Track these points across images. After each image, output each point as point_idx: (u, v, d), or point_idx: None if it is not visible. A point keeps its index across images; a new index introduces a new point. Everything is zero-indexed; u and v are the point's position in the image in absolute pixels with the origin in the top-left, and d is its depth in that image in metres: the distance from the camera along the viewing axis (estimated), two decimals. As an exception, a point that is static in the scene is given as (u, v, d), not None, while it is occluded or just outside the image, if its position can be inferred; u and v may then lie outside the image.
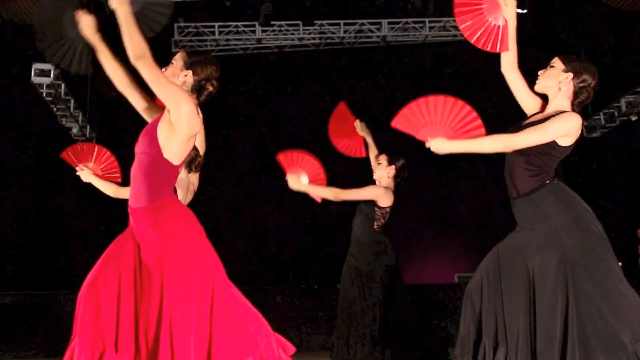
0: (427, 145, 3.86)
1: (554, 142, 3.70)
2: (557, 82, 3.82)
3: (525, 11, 11.30)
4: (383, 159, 5.94)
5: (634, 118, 11.60)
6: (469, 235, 12.73)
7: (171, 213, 3.46)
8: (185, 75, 3.62)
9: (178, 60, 3.67)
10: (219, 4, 12.16)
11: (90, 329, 3.25)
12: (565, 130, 3.66)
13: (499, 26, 4.03)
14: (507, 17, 3.97)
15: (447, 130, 3.90)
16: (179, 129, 3.43)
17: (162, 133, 3.46)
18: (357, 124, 6.36)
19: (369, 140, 6.32)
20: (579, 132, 3.73)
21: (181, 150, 3.50)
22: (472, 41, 4.03)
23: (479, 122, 3.88)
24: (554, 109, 3.83)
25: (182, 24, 12.33)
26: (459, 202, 13.09)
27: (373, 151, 6.26)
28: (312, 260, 12.22)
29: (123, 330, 3.28)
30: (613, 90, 11.57)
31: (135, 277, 3.37)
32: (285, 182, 5.73)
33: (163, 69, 3.60)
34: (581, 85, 3.82)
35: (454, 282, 10.71)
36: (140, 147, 3.50)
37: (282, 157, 5.90)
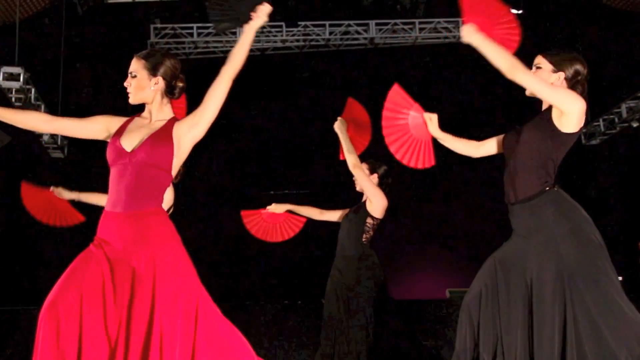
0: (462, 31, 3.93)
1: (557, 129, 3.74)
2: (549, 83, 3.82)
3: (520, 12, 11.34)
4: (365, 167, 5.95)
5: (635, 124, 11.58)
6: (460, 249, 12.73)
7: (163, 221, 3.58)
8: (156, 84, 3.69)
9: (139, 70, 3.69)
10: (198, 3, 12.14)
11: (50, 353, 3.23)
12: (571, 100, 3.68)
13: (424, 142, 4.26)
14: (432, 132, 4.18)
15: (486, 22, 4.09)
16: (189, 143, 3.66)
17: (175, 148, 3.62)
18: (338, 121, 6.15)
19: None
20: (583, 120, 3.77)
21: (180, 163, 3.67)
22: (399, 159, 4.44)
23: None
24: (544, 110, 3.88)
25: (159, 25, 12.32)
26: (450, 214, 13.11)
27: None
28: (294, 274, 12.20)
29: (87, 352, 3.26)
30: (613, 95, 11.59)
31: (104, 293, 3.36)
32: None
33: (126, 83, 3.69)
34: (574, 80, 3.86)
35: (445, 297, 10.70)
36: (145, 158, 3.55)
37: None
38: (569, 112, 3.67)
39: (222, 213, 12.36)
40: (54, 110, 10.78)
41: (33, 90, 10.16)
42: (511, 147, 3.92)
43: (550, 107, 3.78)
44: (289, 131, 12.62)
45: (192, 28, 12.38)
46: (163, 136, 3.61)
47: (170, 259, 3.43)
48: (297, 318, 8.71)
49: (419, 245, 13.01)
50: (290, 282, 12.13)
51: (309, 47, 12.71)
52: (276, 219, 6.56)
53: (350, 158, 5.83)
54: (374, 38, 12.46)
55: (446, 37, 12.43)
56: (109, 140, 3.65)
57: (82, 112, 11.27)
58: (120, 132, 3.63)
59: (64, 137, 11.24)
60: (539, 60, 3.89)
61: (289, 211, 6.51)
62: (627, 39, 11.79)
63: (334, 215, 6.28)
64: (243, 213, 6.63)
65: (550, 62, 3.85)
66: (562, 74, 3.83)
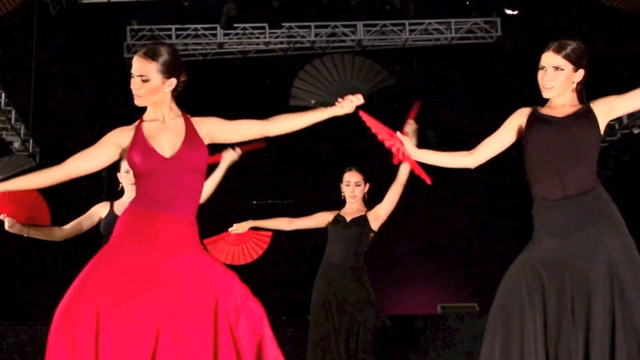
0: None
1: (599, 127, 3.93)
2: (571, 82, 3.98)
3: (516, 12, 11.39)
4: (360, 177, 6.07)
5: (636, 131, 11.59)
6: (452, 264, 12.75)
7: (196, 233, 3.74)
8: (170, 85, 3.73)
9: (152, 74, 3.69)
10: (177, 4, 12.12)
11: None
12: None
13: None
14: (410, 154, 4.23)
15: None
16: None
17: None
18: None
19: None
20: None
21: None
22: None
23: None
24: (570, 105, 4.00)
25: (136, 27, 12.30)
26: (442, 227, 13.11)
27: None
28: (275, 289, 12.17)
29: None
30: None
31: (129, 301, 3.41)
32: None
33: (135, 87, 3.70)
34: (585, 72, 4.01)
35: (436, 312, 10.72)
36: (186, 163, 3.65)
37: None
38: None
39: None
40: (24, 114, 10.75)
41: (3, 95, 10.13)
42: (551, 140, 3.91)
43: (588, 103, 3.95)
44: (271, 139, 12.57)
45: (170, 29, 12.37)
46: (194, 138, 3.69)
47: (215, 266, 3.60)
48: (279, 334, 8.68)
49: (409, 259, 13.00)
50: (271, 298, 12.10)
51: (294, 50, 12.70)
52: (241, 240, 6.44)
53: (406, 169, 5.85)
54: (362, 40, 12.46)
55: (438, 39, 12.46)
56: (132, 152, 3.64)
57: (54, 115, 11.35)
58: (142, 140, 3.64)
59: (36, 144, 11.20)
60: (559, 61, 3.93)
61: (254, 228, 6.40)
62: (628, 40, 11.80)
63: (308, 222, 6.29)
64: (205, 241, 6.35)
65: (571, 62, 3.93)
66: (582, 71, 3.94)
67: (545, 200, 3.90)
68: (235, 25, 12.17)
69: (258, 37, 12.40)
